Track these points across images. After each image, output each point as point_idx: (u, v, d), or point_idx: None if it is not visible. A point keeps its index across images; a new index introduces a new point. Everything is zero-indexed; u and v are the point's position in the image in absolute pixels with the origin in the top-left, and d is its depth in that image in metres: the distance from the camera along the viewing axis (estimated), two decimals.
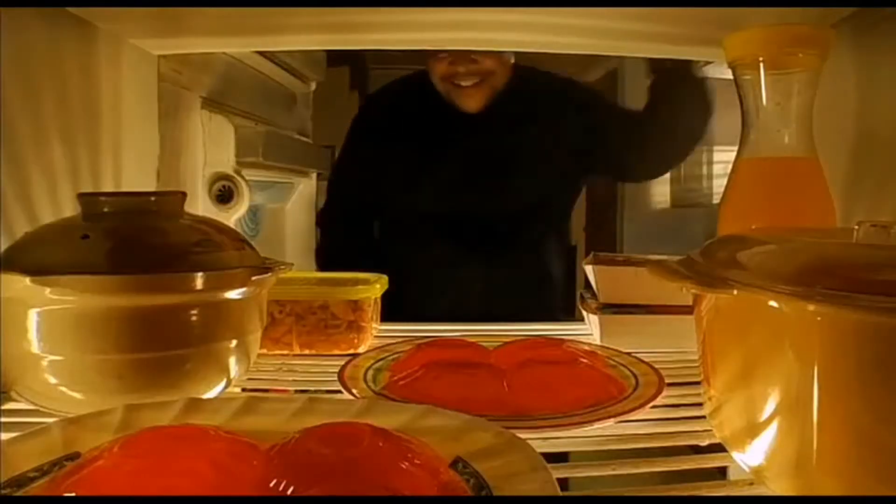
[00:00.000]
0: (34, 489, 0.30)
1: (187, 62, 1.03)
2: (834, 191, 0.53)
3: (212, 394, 0.45)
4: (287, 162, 1.45)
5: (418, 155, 1.21)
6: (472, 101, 1.19)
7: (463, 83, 1.17)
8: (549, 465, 0.31)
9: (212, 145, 1.17)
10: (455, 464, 0.32)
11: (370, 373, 0.52)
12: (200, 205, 1.14)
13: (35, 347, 0.40)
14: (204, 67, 1.14)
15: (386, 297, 0.68)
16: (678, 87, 1.19)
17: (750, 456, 0.32)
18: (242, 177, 1.21)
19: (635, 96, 3.02)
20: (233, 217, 1.19)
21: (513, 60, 1.19)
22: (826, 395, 0.28)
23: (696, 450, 0.40)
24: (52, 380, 0.41)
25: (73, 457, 0.32)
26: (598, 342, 0.62)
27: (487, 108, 1.19)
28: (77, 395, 0.41)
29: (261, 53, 1.35)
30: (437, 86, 1.20)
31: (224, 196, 1.20)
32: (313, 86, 1.77)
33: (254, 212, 1.32)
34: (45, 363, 0.41)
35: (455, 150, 1.21)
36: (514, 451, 0.32)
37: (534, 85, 1.24)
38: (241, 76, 1.33)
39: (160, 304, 0.42)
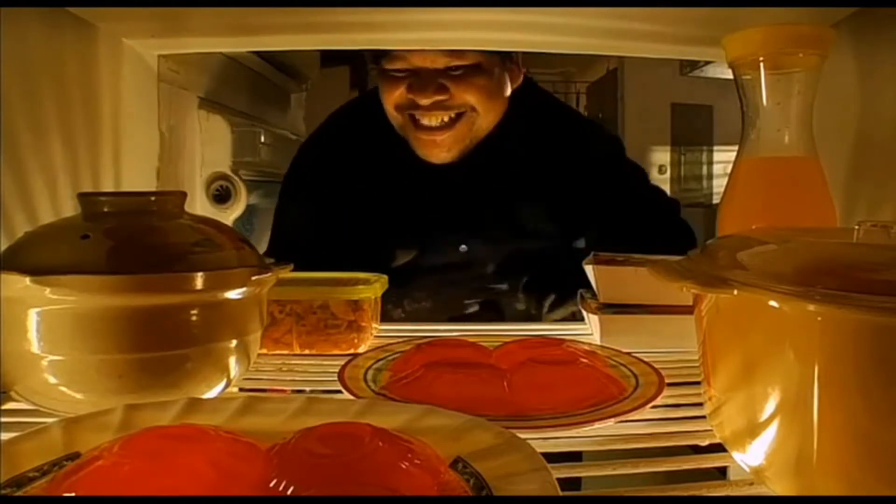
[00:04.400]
0: (34, 489, 0.30)
1: (184, 62, 1.03)
2: (834, 191, 0.53)
3: (212, 394, 0.45)
4: (283, 162, 1.45)
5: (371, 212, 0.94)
6: (437, 150, 0.88)
7: (425, 122, 0.86)
8: (556, 465, 0.31)
9: (209, 145, 1.18)
10: (455, 464, 0.32)
11: (370, 373, 0.52)
12: (198, 205, 1.14)
13: (35, 347, 0.40)
14: (201, 67, 1.15)
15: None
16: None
17: (750, 456, 0.32)
18: (240, 176, 1.21)
19: (635, 96, 3.04)
20: (231, 217, 1.19)
21: (500, 100, 0.88)
22: (826, 395, 0.28)
23: (696, 450, 0.40)
24: (52, 380, 0.41)
25: (73, 457, 0.32)
26: (598, 342, 0.62)
27: (461, 161, 0.89)
28: (77, 395, 0.41)
29: (256, 53, 1.34)
30: (390, 116, 0.89)
31: (222, 196, 1.20)
32: (307, 86, 1.77)
33: (249, 211, 1.31)
34: (45, 363, 0.41)
35: (418, 204, 0.94)
36: (514, 451, 0.32)
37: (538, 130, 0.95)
38: (237, 76, 1.33)
39: (160, 304, 0.42)
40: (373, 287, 0.62)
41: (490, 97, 0.87)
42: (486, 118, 0.88)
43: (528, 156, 0.93)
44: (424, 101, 0.84)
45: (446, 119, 0.86)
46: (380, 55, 0.86)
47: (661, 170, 3.18)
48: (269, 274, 0.47)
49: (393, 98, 0.87)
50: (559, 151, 0.95)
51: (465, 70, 0.85)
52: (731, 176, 0.55)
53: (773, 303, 0.29)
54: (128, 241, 0.43)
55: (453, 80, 0.85)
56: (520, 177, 0.94)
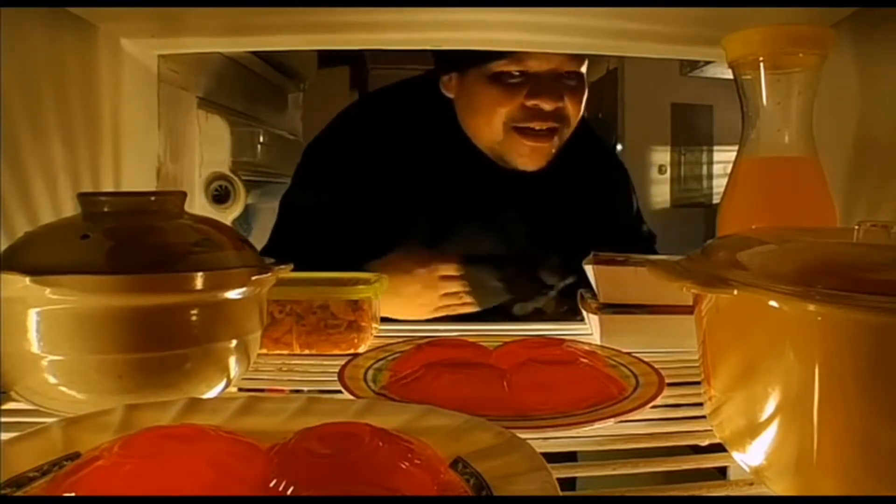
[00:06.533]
0: (34, 489, 0.30)
1: (184, 62, 1.03)
2: (834, 191, 0.53)
3: (212, 394, 0.45)
4: (281, 162, 1.45)
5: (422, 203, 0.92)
6: (536, 156, 0.87)
7: (537, 126, 0.85)
8: (553, 465, 0.31)
9: (208, 145, 1.18)
10: (455, 464, 0.32)
11: (370, 373, 0.52)
12: (197, 204, 1.14)
13: (35, 347, 0.40)
14: (200, 67, 1.15)
15: None
16: None
17: (750, 456, 0.32)
18: (239, 177, 1.21)
19: (635, 96, 3.04)
20: (230, 217, 1.20)
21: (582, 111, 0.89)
22: (826, 395, 0.28)
23: (696, 450, 0.40)
24: (52, 380, 0.41)
25: (73, 457, 0.32)
26: (598, 342, 0.62)
27: (547, 168, 0.89)
28: (77, 395, 0.41)
29: (254, 53, 1.34)
30: (486, 128, 0.87)
31: (220, 196, 1.20)
32: (305, 86, 1.77)
33: (246, 211, 1.31)
34: (45, 363, 0.41)
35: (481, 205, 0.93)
36: (514, 451, 0.32)
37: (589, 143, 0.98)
38: (236, 76, 1.33)
39: (160, 304, 0.42)
40: (373, 287, 0.62)
41: (580, 112, 0.88)
42: (568, 133, 0.88)
43: (558, 176, 0.94)
44: (548, 107, 0.83)
45: (553, 126, 0.86)
46: (481, 59, 0.84)
47: (661, 170, 3.18)
48: (269, 274, 0.47)
49: (505, 110, 0.84)
50: (579, 176, 0.97)
51: (577, 80, 0.86)
52: (731, 176, 0.55)
53: (773, 303, 0.29)
54: (128, 241, 0.43)
55: (567, 90, 0.85)
56: (554, 191, 0.95)
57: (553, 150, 0.88)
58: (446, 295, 0.86)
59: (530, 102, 0.83)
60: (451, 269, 0.85)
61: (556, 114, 0.85)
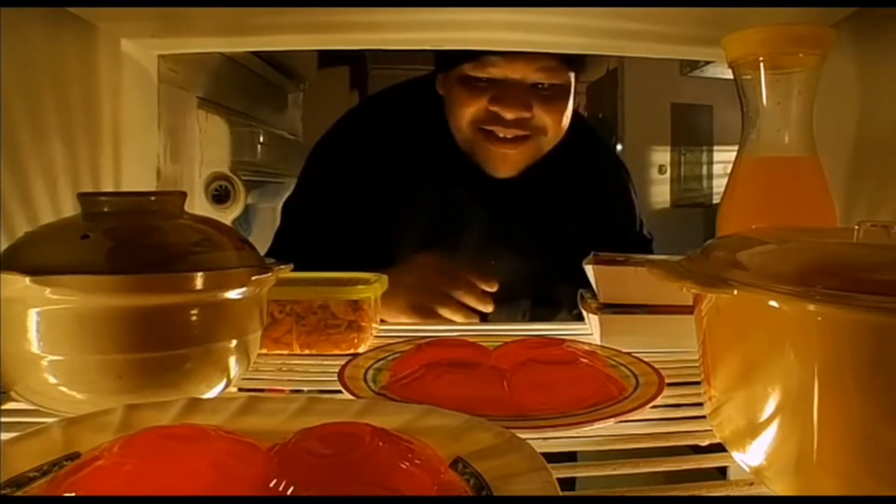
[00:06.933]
0: (34, 489, 0.30)
1: (184, 62, 1.03)
2: (834, 191, 0.53)
3: (212, 394, 0.45)
4: (280, 162, 1.46)
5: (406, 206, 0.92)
6: (505, 162, 0.88)
7: (501, 134, 0.86)
8: (553, 465, 0.31)
9: (208, 145, 1.18)
10: (455, 464, 0.32)
11: (370, 373, 0.52)
12: (197, 205, 1.14)
13: (35, 347, 0.40)
14: (200, 67, 1.15)
15: None
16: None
17: (750, 456, 0.32)
18: (239, 177, 1.21)
19: (635, 96, 3.04)
20: (229, 217, 1.20)
21: (566, 122, 0.89)
22: (826, 395, 0.28)
23: (696, 450, 0.40)
24: (52, 380, 0.41)
25: (73, 457, 0.32)
26: (598, 342, 0.62)
27: (521, 176, 0.90)
28: (77, 395, 0.41)
29: (255, 53, 1.35)
30: (457, 128, 0.89)
31: (220, 196, 1.20)
32: (305, 86, 1.78)
33: (246, 211, 1.31)
34: (45, 363, 0.41)
35: (464, 212, 0.93)
36: (514, 451, 0.32)
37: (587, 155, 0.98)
38: (236, 76, 1.33)
39: (160, 304, 0.42)
40: (373, 287, 0.62)
41: (560, 123, 0.88)
42: (550, 143, 0.89)
43: (555, 181, 0.94)
44: (509, 115, 0.84)
45: (519, 134, 0.86)
46: (456, 60, 0.85)
47: (661, 170, 3.18)
48: (269, 274, 0.47)
49: (471, 111, 0.85)
50: (580, 180, 0.97)
51: (553, 91, 0.86)
52: (731, 176, 0.55)
53: (773, 303, 0.29)
54: (128, 241, 0.43)
55: (539, 100, 0.85)
56: (549, 200, 0.95)
57: (526, 159, 0.88)
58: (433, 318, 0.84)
59: (493, 108, 0.84)
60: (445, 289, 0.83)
61: (523, 123, 0.84)
